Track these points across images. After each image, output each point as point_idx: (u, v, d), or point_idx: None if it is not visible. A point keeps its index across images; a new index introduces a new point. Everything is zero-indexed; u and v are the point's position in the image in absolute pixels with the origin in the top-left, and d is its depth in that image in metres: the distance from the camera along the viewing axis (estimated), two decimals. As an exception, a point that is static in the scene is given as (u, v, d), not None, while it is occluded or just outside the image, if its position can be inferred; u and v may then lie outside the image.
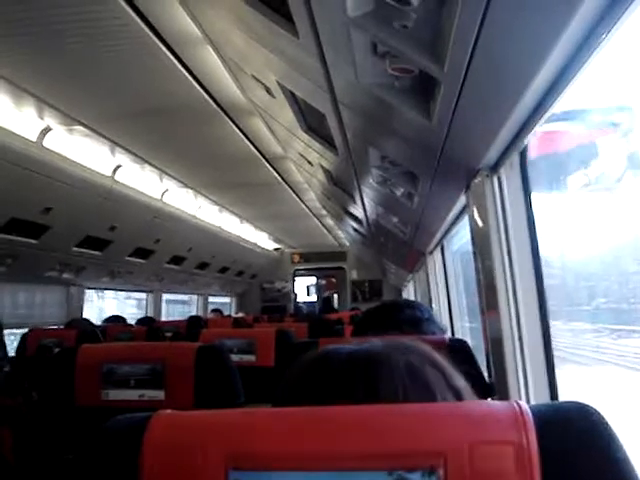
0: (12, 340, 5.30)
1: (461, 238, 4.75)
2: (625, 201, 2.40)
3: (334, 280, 15.26)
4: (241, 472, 0.53)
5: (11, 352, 4.86)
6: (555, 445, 0.52)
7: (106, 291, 8.35)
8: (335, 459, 0.51)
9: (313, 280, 15.68)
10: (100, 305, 9.17)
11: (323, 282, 15.76)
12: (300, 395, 0.68)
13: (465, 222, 3.20)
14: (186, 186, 6.88)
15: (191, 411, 0.60)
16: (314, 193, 7.42)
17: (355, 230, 7.86)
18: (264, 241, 12.21)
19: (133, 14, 2.89)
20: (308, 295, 15.62)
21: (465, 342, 1.97)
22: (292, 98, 3.18)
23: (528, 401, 2.22)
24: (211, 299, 12.09)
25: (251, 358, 3.37)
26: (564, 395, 2.30)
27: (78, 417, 1.99)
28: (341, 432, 0.53)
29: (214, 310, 9.95)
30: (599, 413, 0.55)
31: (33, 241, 5.51)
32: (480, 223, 2.50)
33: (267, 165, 6.18)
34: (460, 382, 0.70)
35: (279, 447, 0.53)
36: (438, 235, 4.62)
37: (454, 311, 5.41)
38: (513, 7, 1.24)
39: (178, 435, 0.56)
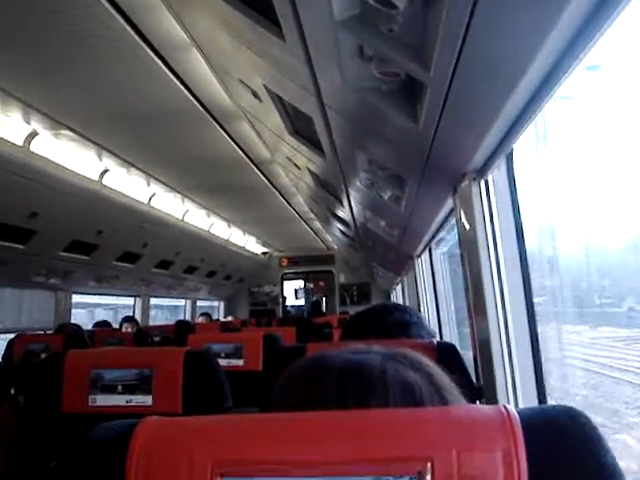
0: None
1: (448, 241, 4.76)
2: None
3: (322, 284, 15.25)
4: (228, 479, 0.52)
5: (-3, 357, 4.84)
6: (543, 449, 0.52)
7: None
8: (322, 465, 0.51)
9: (301, 284, 15.65)
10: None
11: (311, 286, 15.73)
12: (289, 404, 0.65)
13: (453, 225, 3.20)
14: (173, 190, 6.87)
15: (178, 417, 0.60)
16: (302, 197, 7.43)
17: (343, 233, 7.87)
18: (252, 245, 12.20)
19: (120, 18, 2.88)
20: (296, 299, 15.59)
21: (453, 345, 1.96)
22: (279, 101, 3.18)
23: (516, 404, 2.22)
24: (200, 303, 12.07)
25: (239, 362, 3.36)
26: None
27: (65, 423, 1.97)
28: (328, 438, 0.53)
29: (203, 314, 9.96)
30: (587, 417, 0.55)
31: (20, 246, 5.48)
32: (467, 226, 2.51)
33: (254, 169, 6.18)
34: (457, 399, 0.68)
35: (267, 453, 0.52)
36: (426, 238, 4.63)
37: (442, 314, 5.41)
38: (499, 10, 1.24)
39: (165, 442, 0.56)
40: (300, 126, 3.52)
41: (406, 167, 2.88)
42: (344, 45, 1.78)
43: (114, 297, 9.63)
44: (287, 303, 14.86)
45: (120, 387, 1.99)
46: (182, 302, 11.76)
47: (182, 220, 8.01)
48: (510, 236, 2.32)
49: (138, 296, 9.26)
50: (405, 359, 0.70)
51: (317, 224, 10.16)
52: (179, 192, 7.04)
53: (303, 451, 0.52)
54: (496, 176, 2.32)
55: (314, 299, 15.08)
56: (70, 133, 4.56)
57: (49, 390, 2.02)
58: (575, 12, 1.18)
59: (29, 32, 3.00)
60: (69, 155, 5.05)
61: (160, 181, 6.40)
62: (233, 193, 7.47)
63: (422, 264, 5.72)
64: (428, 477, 0.50)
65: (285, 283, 14.65)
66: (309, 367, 0.70)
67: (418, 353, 0.72)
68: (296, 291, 15.45)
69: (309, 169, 4.56)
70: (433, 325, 5.28)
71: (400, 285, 8.98)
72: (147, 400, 1.97)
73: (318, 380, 0.67)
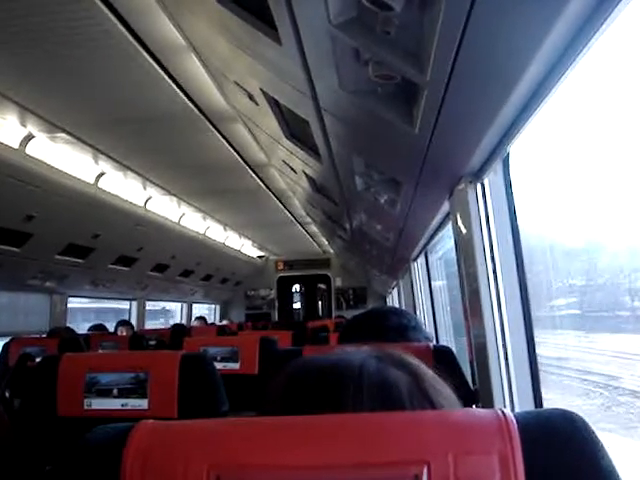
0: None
1: (445, 244, 4.75)
2: None
3: (318, 287, 15.23)
4: (224, 483, 0.52)
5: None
6: (540, 453, 0.52)
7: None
8: (318, 469, 0.51)
9: (297, 287, 15.61)
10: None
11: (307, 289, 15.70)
12: (277, 409, 0.66)
13: (449, 228, 3.20)
14: (170, 193, 6.86)
15: (174, 421, 0.59)
16: (298, 200, 7.41)
17: (339, 237, 7.86)
18: (248, 248, 12.19)
19: (116, 21, 2.88)
20: (292, 302, 15.56)
21: (449, 349, 1.97)
22: (275, 105, 3.17)
23: (513, 408, 2.22)
24: (196, 307, 12.06)
25: (235, 366, 3.36)
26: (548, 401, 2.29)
27: (60, 426, 1.97)
28: (325, 442, 0.52)
29: (198, 318, 9.95)
30: (583, 420, 0.55)
31: (15, 249, 5.46)
32: (463, 230, 2.51)
33: (250, 172, 6.17)
34: (445, 399, 0.67)
35: (263, 457, 0.52)
36: (422, 242, 4.63)
37: (438, 318, 5.41)
38: (496, 13, 1.24)
39: (160, 446, 0.55)
40: (296, 130, 3.52)
41: (402, 170, 2.88)
42: (340, 48, 1.78)
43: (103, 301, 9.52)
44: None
45: (115, 391, 1.99)
46: (174, 306, 11.75)
47: (178, 223, 7.99)
48: (506, 239, 2.32)
49: (134, 299, 9.24)
50: (390, 357, 0.69)
51: (313, 228, 10.16)
52: (175, 195, 7.03)
53: (299, 455, 0.52)
54: (492, 179, 2.32)
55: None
56: (66, 136, 4.55)
57: (44, 393, 2.01)
58: (571, 17, 1.18)
59: (25, 35, 2.99)
60: (65, 158, 5.03)
61: (156, 184, 6.39)
62: (229, 196, 7.46)
63: (418, 267, 5.72)
64: (425, 481, 0.50)
65: (281, 286, 14.62)
66: (295, 369, 0.70)
67: (409, 354, 0.72)
68: (292, 295, 15.44)
69: (305, 173, 4.56)
70: (429, 329, 5.28)
71: (396, 289, 8.98)
72: (143, 404, 1.97)
73: (299, 382, 0.68)
